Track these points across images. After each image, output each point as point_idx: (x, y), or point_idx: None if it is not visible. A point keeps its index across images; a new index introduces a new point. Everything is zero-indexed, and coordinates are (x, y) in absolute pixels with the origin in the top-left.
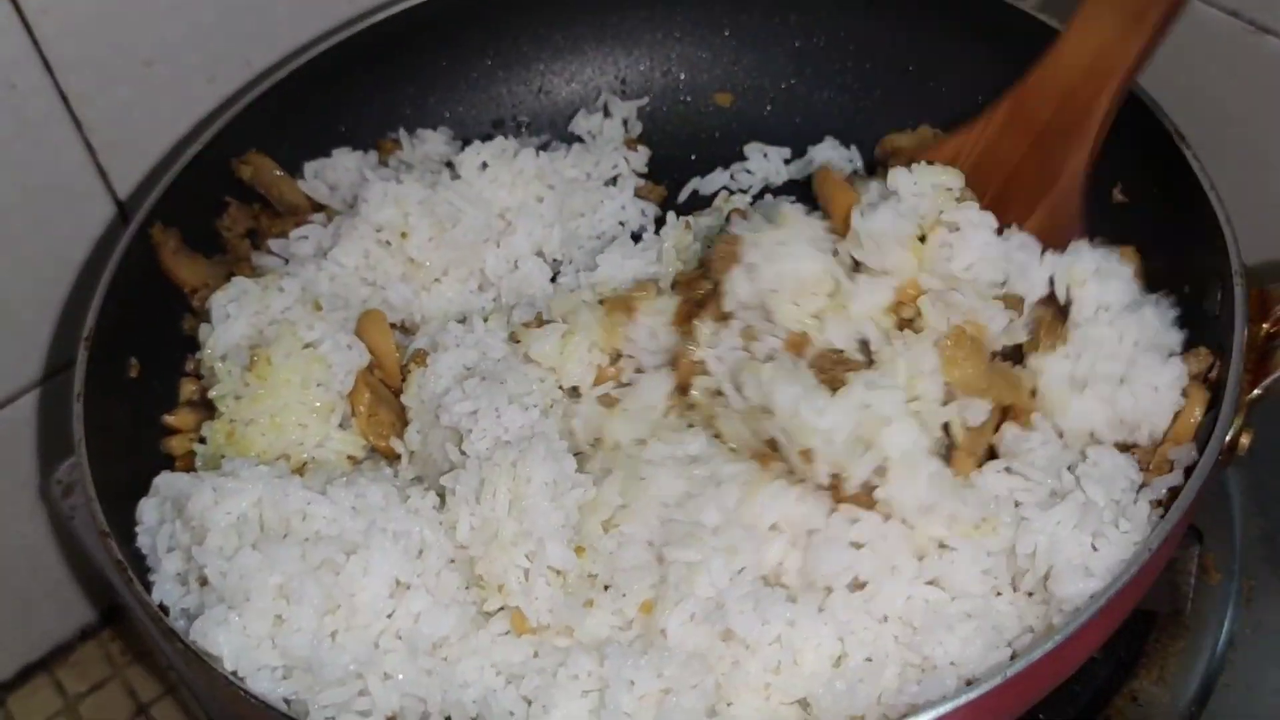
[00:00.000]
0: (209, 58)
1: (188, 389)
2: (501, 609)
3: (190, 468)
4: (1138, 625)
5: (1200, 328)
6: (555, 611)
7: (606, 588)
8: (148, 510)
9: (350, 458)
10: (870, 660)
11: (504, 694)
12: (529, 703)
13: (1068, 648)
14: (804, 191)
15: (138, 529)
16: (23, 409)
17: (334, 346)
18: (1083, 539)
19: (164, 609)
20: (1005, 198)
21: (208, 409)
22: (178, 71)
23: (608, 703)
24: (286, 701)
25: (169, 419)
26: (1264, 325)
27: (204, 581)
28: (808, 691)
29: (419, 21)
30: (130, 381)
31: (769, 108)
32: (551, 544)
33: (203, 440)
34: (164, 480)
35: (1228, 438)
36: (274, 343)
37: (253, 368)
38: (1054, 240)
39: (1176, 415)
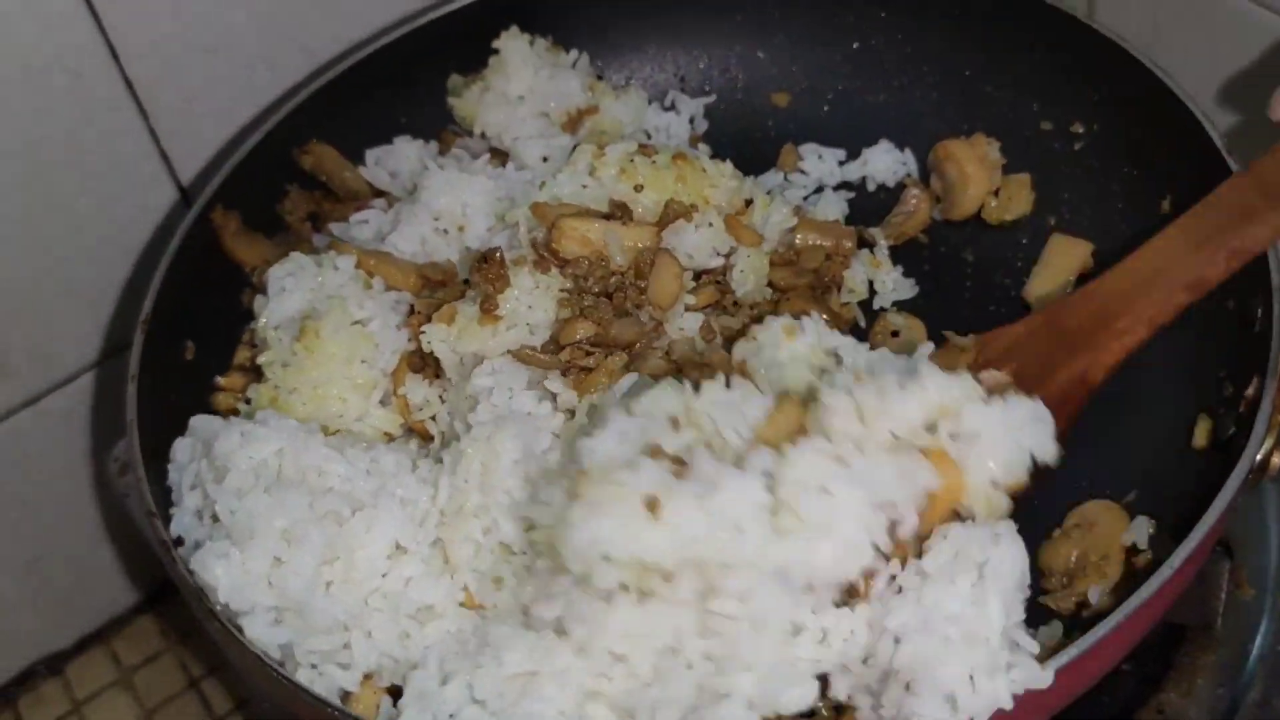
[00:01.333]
0: (270, 46)
1: (242, 355)
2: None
3: None
4: (1167, 637)
5: (1244, 345)
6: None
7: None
8: (181, 449)
9: (386, 434)
10: None
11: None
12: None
13: (1084, 662)
14: (859, 192)
15: (169, 465)
16: (83, 387)
17: (382, 326)
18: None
19: (180, 541)
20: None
21: (258, 374)
22: (240, 59)
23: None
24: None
25: (220, 380)
26: None
27: (215, 518)
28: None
29: (481, 16)
30: (186, 364)
31: (825, 109)
32: (505, 521)
33: (248, 401)
34: (198, 421)
35: (1258, 457)
36: (324, 317)
37: (301, 338)
38: None
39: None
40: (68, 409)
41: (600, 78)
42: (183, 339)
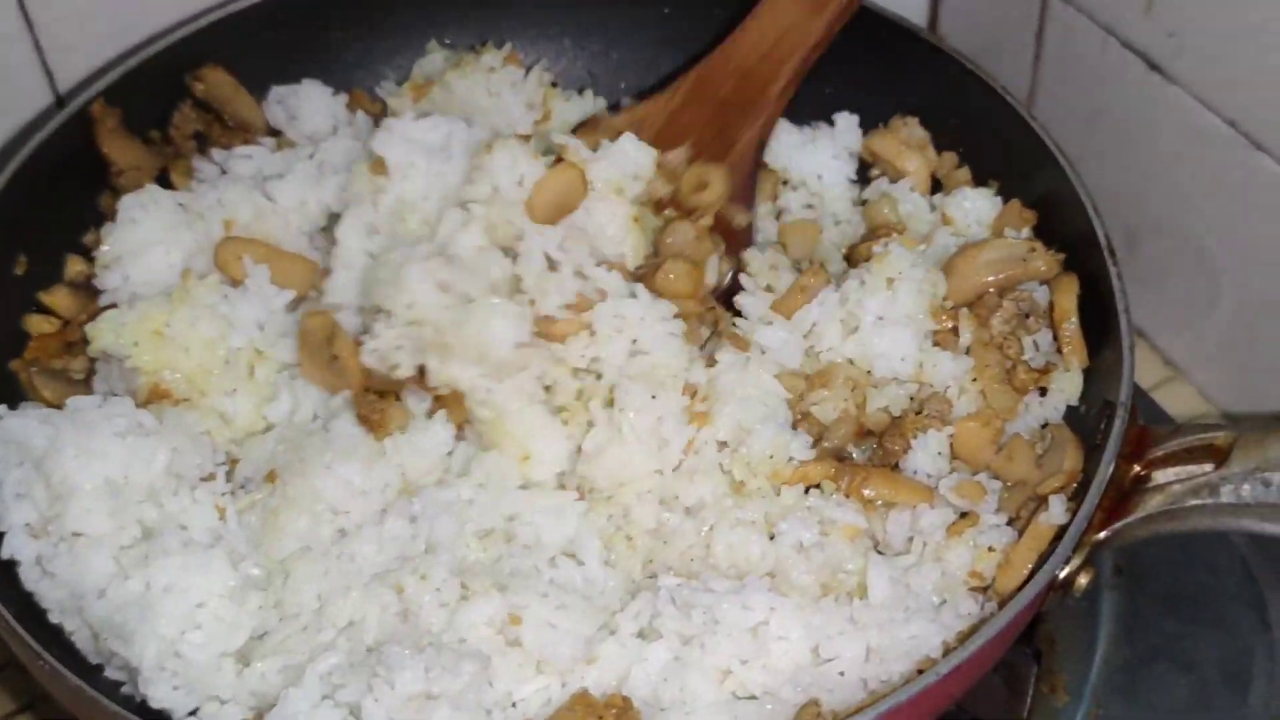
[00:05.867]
0: None
1: (74, 268)
2: None
3: (45, 350)
4: None
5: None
6: None
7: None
8: None
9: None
10: None
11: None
12: None
13: None
14: None
15: None
16: None
17: (251, 328)
18: None
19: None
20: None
21: (89, 294)
22: None
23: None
24: None
25: (44, 297)
26: (1135, 466)
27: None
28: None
29: None
30: (14, 279)
31: None
32: None
33: (87, 341)
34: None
35: (1060, 574)
36: (185, 317)
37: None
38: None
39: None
40: None
41: (555, 85)
42: (15, 252)
